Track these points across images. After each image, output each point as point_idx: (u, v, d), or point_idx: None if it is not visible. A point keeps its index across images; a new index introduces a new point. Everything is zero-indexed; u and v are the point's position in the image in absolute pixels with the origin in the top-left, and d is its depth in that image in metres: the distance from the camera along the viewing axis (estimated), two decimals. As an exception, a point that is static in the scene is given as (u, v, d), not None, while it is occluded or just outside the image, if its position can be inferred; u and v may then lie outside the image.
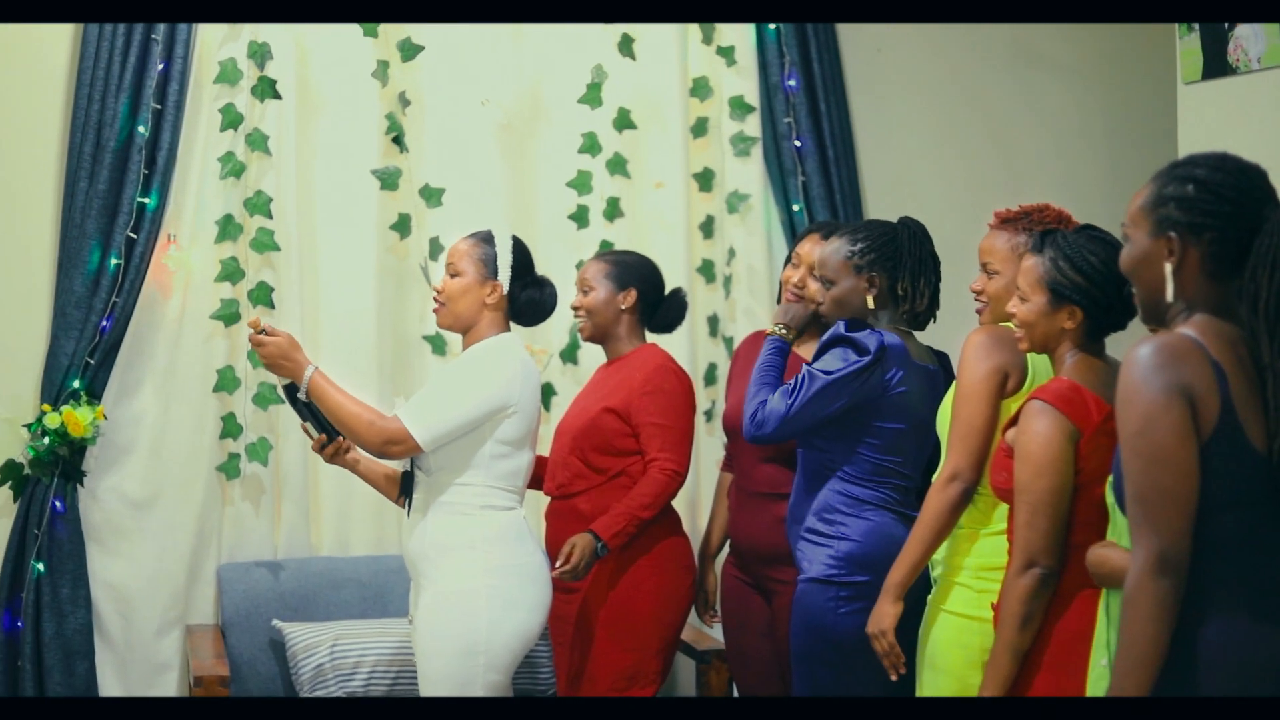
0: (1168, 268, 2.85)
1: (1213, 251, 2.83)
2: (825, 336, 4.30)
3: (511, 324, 4.57)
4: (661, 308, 4.98)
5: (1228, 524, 2.76)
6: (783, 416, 4.20)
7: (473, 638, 4.29)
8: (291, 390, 4.37)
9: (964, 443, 3.89)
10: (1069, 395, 3.44)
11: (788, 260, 4.94)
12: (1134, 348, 2.80)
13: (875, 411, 4.21)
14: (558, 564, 4.59)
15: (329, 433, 4.43)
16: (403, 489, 4.51)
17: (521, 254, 4.55)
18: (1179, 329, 2.84)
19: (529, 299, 4.56)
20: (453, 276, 4.50)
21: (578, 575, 4.61)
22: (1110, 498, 3.03)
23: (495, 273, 4.48)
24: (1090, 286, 3.52)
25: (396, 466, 4.54)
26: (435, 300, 4.54)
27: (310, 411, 4.38)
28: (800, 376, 4.21)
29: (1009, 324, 3.81)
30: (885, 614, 4.00)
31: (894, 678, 4.02)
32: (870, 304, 4.28)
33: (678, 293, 5.03)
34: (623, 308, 4.89)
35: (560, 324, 5.62)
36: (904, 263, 4.28)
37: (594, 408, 4.84)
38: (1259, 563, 2.78)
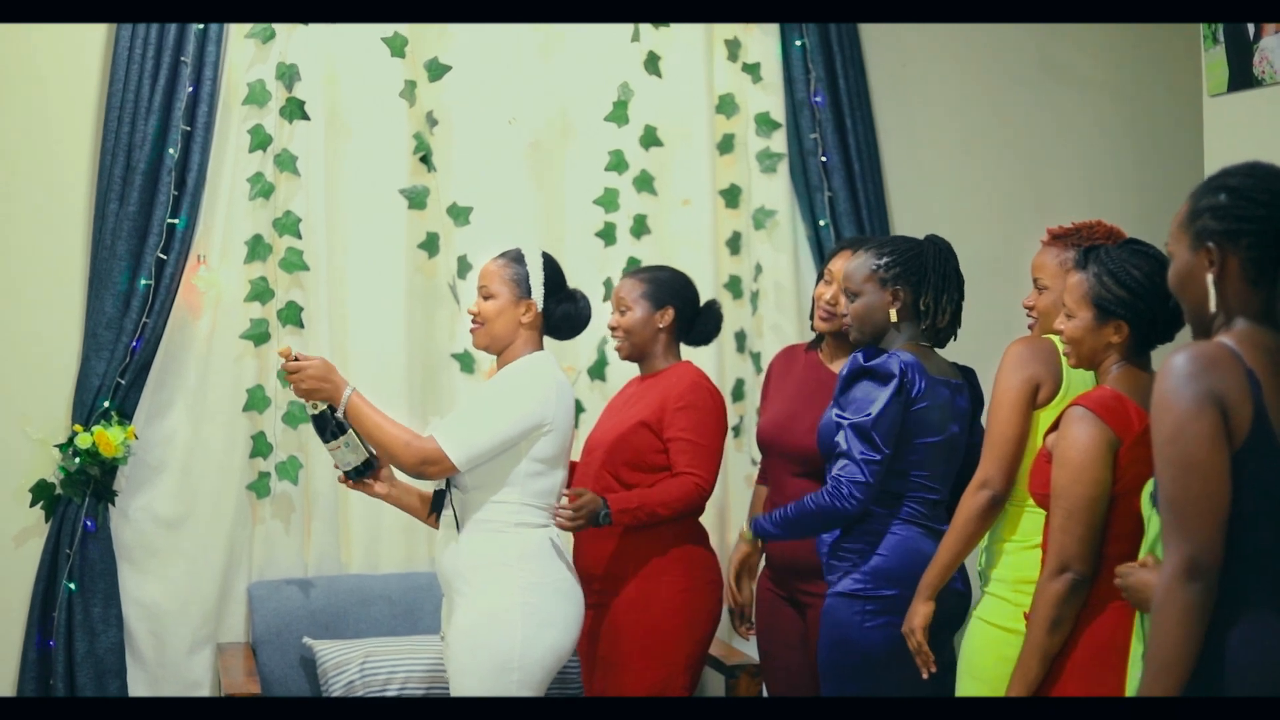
0: (1209, 278, 2.87)
1: (1252, 256, 2.85)
2: (843, 372, 4.30)
3: (545, 339, 4.59)
4: (698, 321, 4.98)
5: (1260, 532, 2.77)
6: (863, 472, 4.16)
7: (507, 655, 4.30)
8: (321, 422, 4.39)
9: (993, 451, 3.93)
10: (1111, 404, 3.45)
11: (820, 277, 4.95)
12: (1169, 357, 2.82)
13: (900, 428, 4.22)
14: (563, 502, 4.55)
15: (355, 472, 4.47)
16: (433, 506, 4.53)
17: (553, 270, 4.57)
18: (1216, 338, 2.86)
19: (564, 313, 4.58)
20: (486, 299, 4.52)
21: (574, 522, 4.53)
22: (1146, 505, 3.04)
23: (528, 291, 4.50)
24: (1135, 300, 3.54)
25: (429, 486, 4.55)
26: (472, 322, 4.56)
27: (340, 433, 4.40)
28: (843, 436, 4.20)
29: (1053, 335, 3.83)
30: (916, 612, 4.04)
31: (925, 675, 4.04)
32: (893, 317, 4.28)
33: (713, 304, 5.02)
34: (660, 326, 4.89)
35: (588, 341, 5.64)
36: (928, 279, 4.29)
37: (627, 422, 4.83)
38: None
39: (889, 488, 4.22)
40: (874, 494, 4.19)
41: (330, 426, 4.39)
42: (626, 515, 4.64)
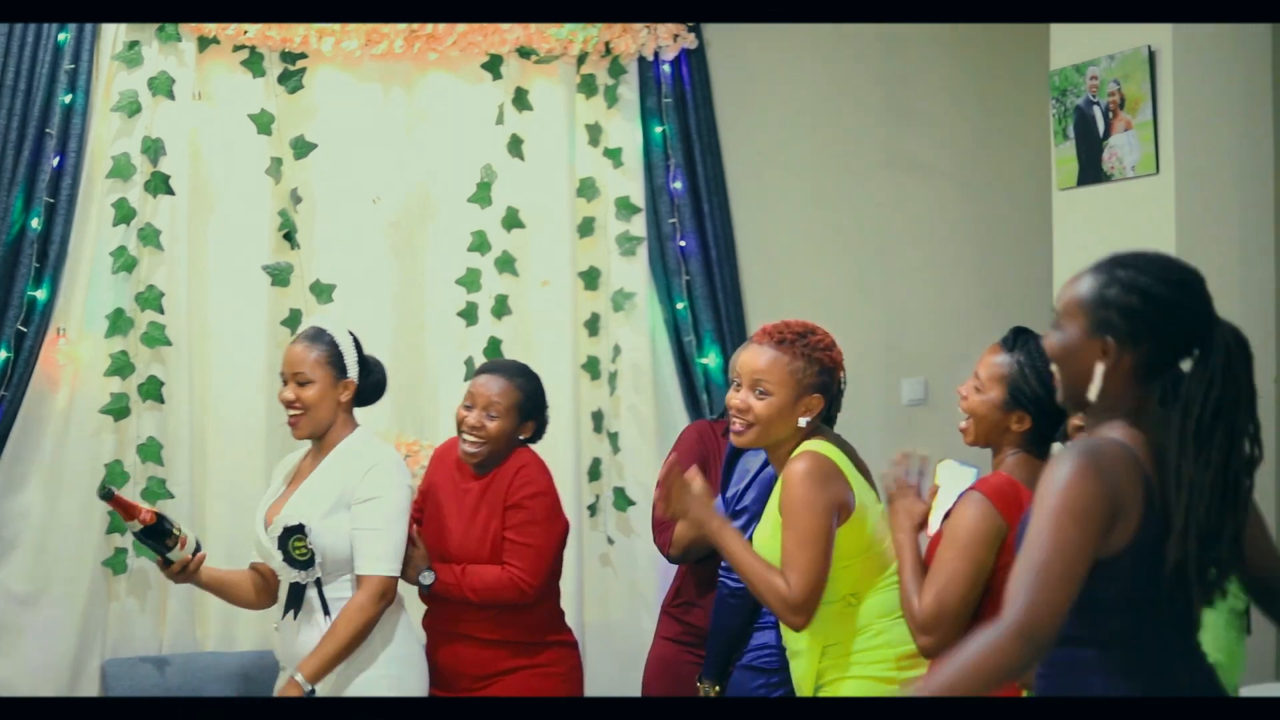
0: (1099, 368, 2.85)
1: (1146, 360, 2.85)
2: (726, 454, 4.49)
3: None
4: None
5: (1125, 620, 2.81)
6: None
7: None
8: (156, 534, 4.38)
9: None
10: (1006, 490, 3.52)
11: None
12: (1071, 445, 2.84)
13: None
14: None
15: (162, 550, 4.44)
16: (290, 602, 4.47)
17: (358, 343, 4.58)
18: (1110, 434, 2.85)
19: (374, 383, 4.61)
20: (302, 385, 4.47)
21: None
22: None
23: (344, 371, 4.50)
24: (1047, 402, 3.47)
25: (294, 577, 4.46)
26: (291, 410, 4.50)
27: (158, 533, 4.39)
28: None
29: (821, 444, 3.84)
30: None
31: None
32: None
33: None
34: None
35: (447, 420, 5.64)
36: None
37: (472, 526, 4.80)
38: (1143, 657, 2.85)
39: None
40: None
41: (170, 530, 4.40)
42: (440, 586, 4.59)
